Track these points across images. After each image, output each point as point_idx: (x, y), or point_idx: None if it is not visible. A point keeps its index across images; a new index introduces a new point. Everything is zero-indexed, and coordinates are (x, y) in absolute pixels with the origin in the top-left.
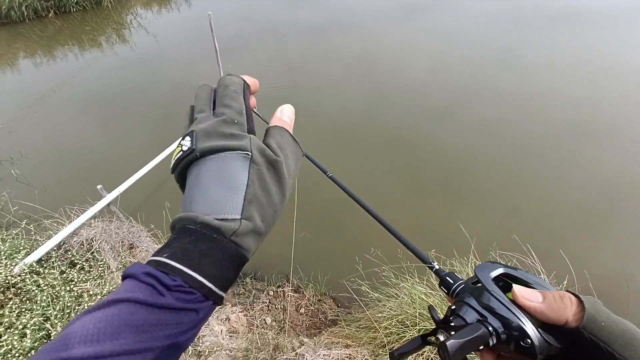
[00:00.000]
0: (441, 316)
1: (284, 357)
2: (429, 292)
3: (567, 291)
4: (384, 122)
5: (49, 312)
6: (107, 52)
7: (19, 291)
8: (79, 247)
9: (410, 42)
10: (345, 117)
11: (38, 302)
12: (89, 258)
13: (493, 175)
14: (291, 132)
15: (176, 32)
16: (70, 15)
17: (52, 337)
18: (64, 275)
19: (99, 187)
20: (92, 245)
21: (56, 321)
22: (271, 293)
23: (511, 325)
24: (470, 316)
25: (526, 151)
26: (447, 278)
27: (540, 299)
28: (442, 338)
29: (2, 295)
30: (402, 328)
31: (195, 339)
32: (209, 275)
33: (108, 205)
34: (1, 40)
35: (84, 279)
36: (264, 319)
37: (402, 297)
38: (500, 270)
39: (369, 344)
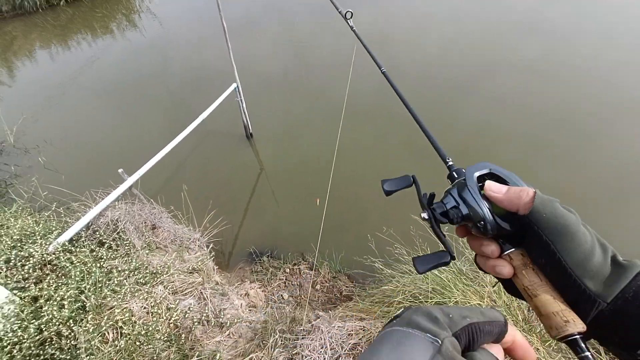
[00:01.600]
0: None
1: (301, 328)
2: (443, 268)
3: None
4: (392, 95)
5: (83, 285)
6: (118, 38)
7: (54, 267)
8: (106, 228)
9: (425, 12)
10: (359, 90)
11: (72, 277)
12: (116, 238)
13: (511, 150)
14: None
15: (185, 14)
16: (80, 2)
17: (87, 308)
18: (94, 253)
19: (120, 170)
20: (117, 226)
21: (90, 294)
22: (287, 271)
23: (475, 212)
24: (450, 203)
25: (546, 128)
26: (454, 172)
27: (504, 191)
28: (424, 215)
29: (40, 271)
30: (415, 302)
31: (218, 312)
32: None
33: (130, 188)
34: (18, 32)
35: (112, 256)
36: (281, 295)
37: (415, 274)
38: (486, 170)
39: (383, 317)
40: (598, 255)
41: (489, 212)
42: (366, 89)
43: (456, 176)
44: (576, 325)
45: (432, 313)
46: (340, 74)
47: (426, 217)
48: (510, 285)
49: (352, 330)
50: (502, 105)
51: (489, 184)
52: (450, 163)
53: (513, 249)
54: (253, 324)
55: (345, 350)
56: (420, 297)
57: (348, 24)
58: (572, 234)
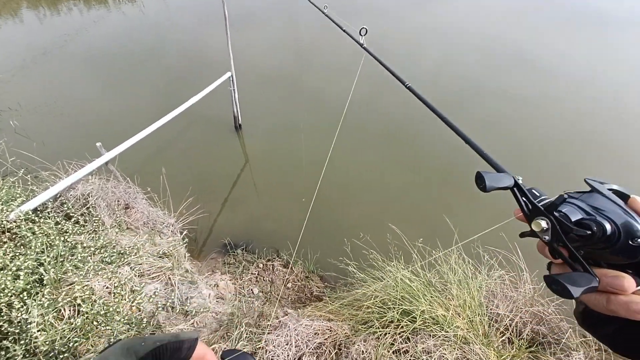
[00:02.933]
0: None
1: (268, 323)
2: (413, 277)
3: None
4: (388, 113)
5: (43, 258)
6: (113, 11)
7: (13, 236)
8: (75, 201)
9: (421, 29)
10: (350, 102)
11: (32, 247)
12: (84, 213)
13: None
14: None
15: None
16: None
17: (44, 282)
18: (59, 226)
19: (98, 144)
20: (88, 201)
21: (49, 267)
22: (261, 266)
23: (624, 224)
24: (574, 215)
25: (525, 153)
26: (534, 191)
27: None
28: (543, 224)
29: None
30: (383, 308)
31: (184, 299)
32: None
33: (106, 163)
34: None
35: (78, 231)
36: (252, 289)
37: (387, 280)
38: (614, 186)
39: (350, 320)
40: None
41: None
42: (365, 99)
43: (537, 195)
44: None
45: (131, 347)
46: (339, 79)
47: (545, 226)
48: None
49: (319, 329)
50: (486, 128)
51: (639, 198)
52: (521, 181)
53: None
54: (219, 315)
55: (310, 349)
56: (389, 304)
57: (361, 45)
58: None
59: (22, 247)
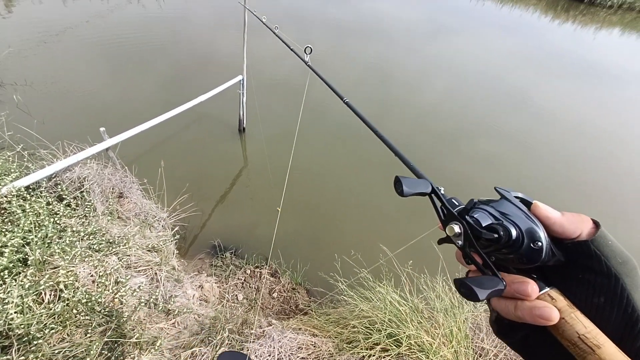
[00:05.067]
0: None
1: (251, 332)
2: (402, 301)
3: None
4: (389, 134)
5: (30, 237)
6: (133, 2)
7: (2, 211)
8: (70, 184)
9: (429, 62)
10: (352, 119)
11: (20, 225)
12: (77, 196)
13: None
14: None
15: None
16: None
17: (28, 262)
18: (50, 206)
19: (101, 129)
20: (82, 185)
21: (36, 247)
22: (248, 272)
23: (526, 229)
24: (484, 220)
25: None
26: (453, 200)
27: (560, 214)
28: (456, 229)
29: None
30: (369, 329)
31: (168, 297)
32: None
33: (107, 149)
34: None
35: (69, 214)
36: (236, 295)
37: (376, 302)
38: (520, 194)
39: (335, 337)
40: None
41: (545, 232)
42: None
43: (456, 204)
44: None
45: None
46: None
47: (458, 231)
48: (527, 340)
49: (303, 344)
50: (480, 163)
51: (542, 204)
52: (443, 192)
53: (549, 288)
54: (202, 318)
55: None
56: (377, 325)
57: (303, 59)
58: (636, 269)
59: (9, 223)
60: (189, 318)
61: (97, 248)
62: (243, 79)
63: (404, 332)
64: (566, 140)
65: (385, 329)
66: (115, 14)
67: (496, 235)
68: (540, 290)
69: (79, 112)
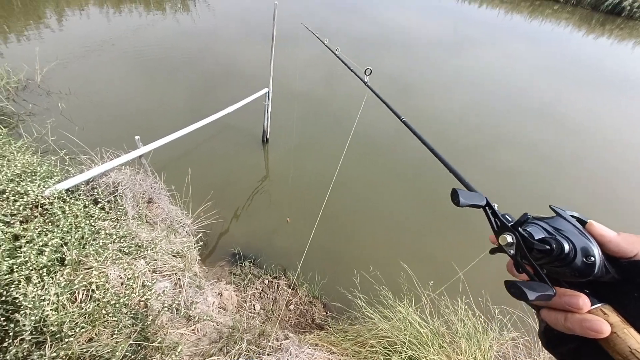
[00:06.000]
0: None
1: (269, 344)
2: (423, 323)
3: None
4: (409, 146)
5: (68, 238)
6: (168, 17)
7: (44, 212)
8: (105, 188)
9: (451, 74)
10: (374, 133)
11: (60, 226)
12: (111, 200)
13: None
14: None
15: (237, 13)
16: None
17: (65, 262)
18: (87, 209)
19: (137, 137)
20: (117, 189)
21: (72, 248)
22: (266, 282)
23: (579, 244)
24: (537, 234)
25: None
26: (506, 216)
27: (615, 234)
28: (508, 239)
29: (30, 211)
30: (389, 350)
31: (189, 303)
32: None
33: (140, 156)
34: None
35: (103, 217)
36: (254, 305)
37: (395, 321)
38: (574, 213)
39: (352, 356)
40: None
41: (599, 249)
42: (380, 128)
43: (509, 219)
44: None
45: None
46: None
47: (510, 240)
48: (576, 350)
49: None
50: (499, 176)
51: (597, 223)
52: (496, 207)
53: (602, 304)
54: (220, 326)
55: None
56: (397, 345)
57: (363, 80)
58: None
59: (50, 224)
60: (208, 325)
61: (127, 251)
62: (269, 91)
63: (425, 356)
64: (594, 153)
65: (406, 351)
66: (152, 29)
67: (548, 247)
68: (592, 305)
69: (114, 120)
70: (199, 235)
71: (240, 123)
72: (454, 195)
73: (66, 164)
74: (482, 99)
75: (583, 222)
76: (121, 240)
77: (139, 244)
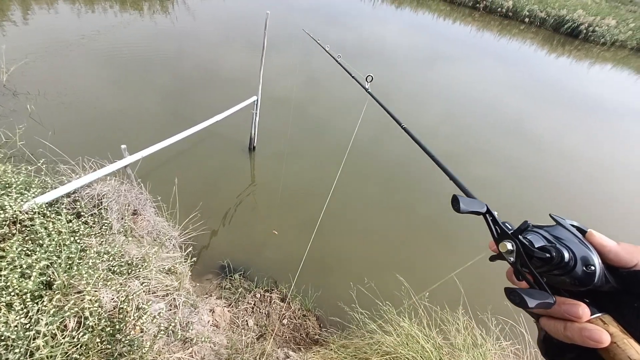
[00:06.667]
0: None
1: None
2: (424, 336)
3: None
4: (387, 154)
5: (54, 258)
6: (146, 18)
7: (24, 229)
8: (89, 200)
9: (426, 87)
10: (352, 142)
11: (44, 245)
12: (95, 213)
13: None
14: None
15: (219, 18)
16: None
17: (54, 287)
18: (70, 224)
19: (123, 146)
20: (101, 202)
21: (60, 270)
22: (258, 296)
23: (579, 253)
24: (537, 242)
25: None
26: (506, 224)
27: (615, 243)
28: (508, 246)
29: (7, 228)
30: None
31: (184, 324)
32: None
33: (125, 166)
34: None
35: (87, 233)
36: (247, 320)
37: (396, 336)
38: (574, 222)
39: None
40: None
41: (599, 258)
42: (371, 138)
43: (509, 227)
44: None
45: None
46: (349, 117)
47: (510, 248)
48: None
49: None
50: (473, 187)
51: (597, 233)
52: (496, 214)
53: (602, 313)
54: (217, 347)
55: None
56: None
57: (366, 90)
58: None
59: (30, 242)
60: (205, 347)
61: (117, 270)
62: (257, 100)
63: None
64: (555, 166)
65: None
66: (128, 29)
67: (548, 256)
68: (592, 315)
69: (90, 124)
70: (189, 249)
71: (226, 130)
72: (455, 202)
73: (42, 173)
74: (455, 111)
75: (583, 232)
76: (111, 259)
77: (130, 262)
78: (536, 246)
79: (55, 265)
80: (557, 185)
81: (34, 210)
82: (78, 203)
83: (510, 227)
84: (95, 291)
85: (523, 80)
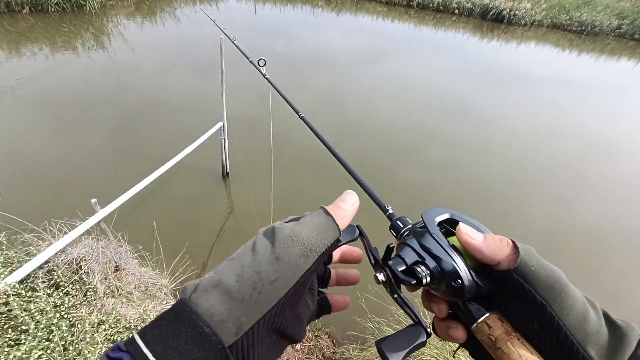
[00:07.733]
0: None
1: None
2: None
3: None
4: (349, 154)
5: (46, 343)
6: (82, 56)
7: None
8: (67, 267)
9: (375, 84)
10: (312, 144)
11: (31, 332)
12: (76, 280)
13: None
14: (337, 215)
15: (158, 47)
16: (47, 14)
17: None
18: (51, 299)
19: (93, 201)
20: (80, 266)
21: (57, 355)
22: None
23: (446, 267)
24: (410, 257)
25: (475, 195)
26: (398, 222)
27: (481, 238)
28: (380, 277)
29: None
30: None
31: None
32: (154, 351)
33: (98, 222)
34: None
35: (73, 304)
36: None
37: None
38: (446, 215)
39: None
40: (592, 314)
41: (465, 266)
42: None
43: (402, 226)
44: None
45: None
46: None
47: (383, 279)
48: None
49: None
50: (435, 170)
51: (464, 227)
52: (391, 211)
53: (489, 313)
54: None
55: None
56: None
57: (261, 71)
58: (565, 290)
59: (10, 330)
60: None
61: (117, 338)
62: (224, 125)
63: None
64: (502, 141)
65: None
66: (63, 70)
67: (415, 282)
68: (478, 317)
69: (40, 179)
70: None
71: (194, 161)
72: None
73: (3, 248)
74: (406, 103)
75: (457, 224)
76: (105, 327)
77: (128, 326)
78: (399, 270)
79: (49, 351)
80: (505, 157)
81: (6, 293)
82: (54, 272)
83: (402, 225)
84: None
85: (462, 65)
